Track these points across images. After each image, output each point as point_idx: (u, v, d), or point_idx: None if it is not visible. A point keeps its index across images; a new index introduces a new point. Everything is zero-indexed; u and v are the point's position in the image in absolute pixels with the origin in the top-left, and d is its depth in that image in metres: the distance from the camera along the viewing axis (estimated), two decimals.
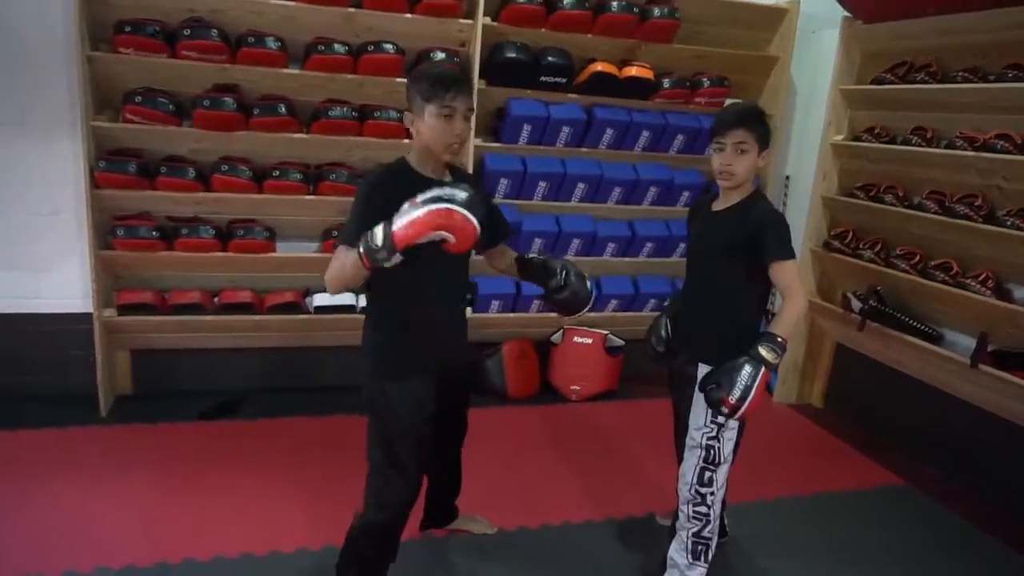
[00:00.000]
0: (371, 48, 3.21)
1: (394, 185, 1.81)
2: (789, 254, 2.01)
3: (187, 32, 3.00)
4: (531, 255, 2.22)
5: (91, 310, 3.20)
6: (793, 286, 2.00)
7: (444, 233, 1.65)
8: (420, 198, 1.65)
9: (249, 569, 2.32)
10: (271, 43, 3.10)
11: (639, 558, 2.52)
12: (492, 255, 2.25)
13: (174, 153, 3.24)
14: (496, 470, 3.01)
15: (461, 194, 1.65)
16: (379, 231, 1.66)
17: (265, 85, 3.26)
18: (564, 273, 2.09)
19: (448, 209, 1.63)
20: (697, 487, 2.16)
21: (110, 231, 3.15)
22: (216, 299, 3.37)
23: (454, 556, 2.46)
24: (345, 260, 1.74)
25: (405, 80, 1.90)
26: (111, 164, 3.05)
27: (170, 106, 3.08)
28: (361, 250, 1.68)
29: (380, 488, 2.02)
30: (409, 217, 1.63)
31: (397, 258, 1.67)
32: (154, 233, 3.16)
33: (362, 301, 3.48)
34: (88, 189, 3.04)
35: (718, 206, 2.17)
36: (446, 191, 1.65)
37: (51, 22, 3.05)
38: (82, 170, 3.04)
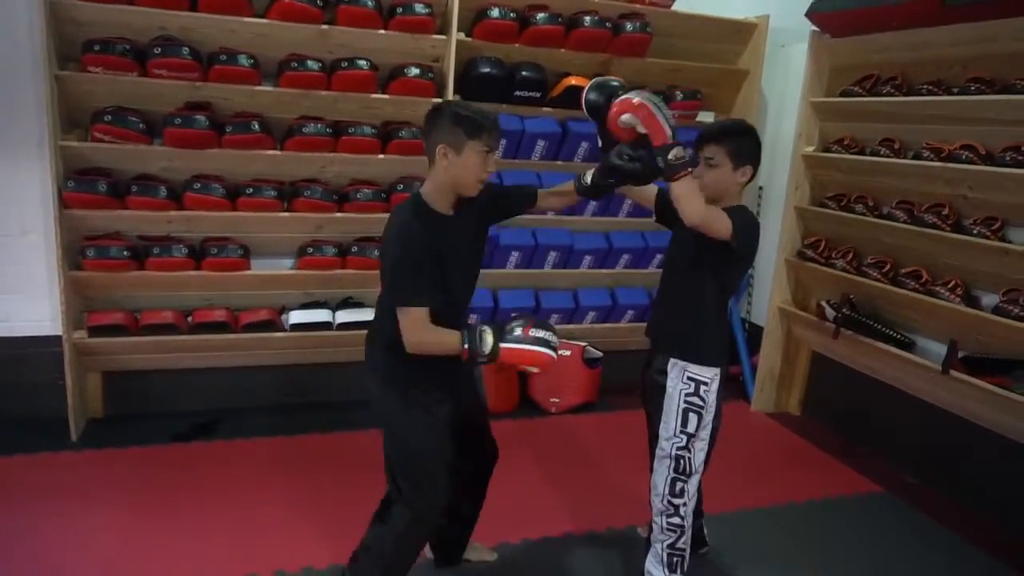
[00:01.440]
0: (345, 64, 3.21)
1: (428, 234, 1.90)
2: (732, 221, 1.98)
3: (157, 50, 2.97)
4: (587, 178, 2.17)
5: (61, 332, 3.13)
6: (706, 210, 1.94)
7: (532, 369, 1.90)
8: (533, 331, 1.86)
9: None
10: (243, 60, 3.08)
11: (620, 571, 2.51)
12: (543, 206, 2.29)
13: (145, 172, 3.20)
14: None
15: (556, 339, 1.89)
16: (489, 341, 1.85)
17: (238, 102, 3.23)
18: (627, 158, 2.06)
19: (551, 356, 1.87)
20: (669, 498, 2.16)
21: (80, 251, 3.09)
22: (190, 318, 3.32)
23: (432, 570, 2.44)
24: (440, 342, 1.88)
25: (435, 109, 1.94)
26: (80, 184, 3.00)
27: (140, 124, 3.05)
28: (467, 346, 1.85)
29: (414, 503, 2.02)
30: (519, 346, 1.85)
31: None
32: (125, 253, 3.11)
33: (339, 318, 3.46)
34: (57, 209, 2.99)
35: None
36: (552, 336, 1.88)
37: (18, 41, 3.01)
38: (50, 190, 2.99)
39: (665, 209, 2.35)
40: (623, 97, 1.92)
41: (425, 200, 1.96)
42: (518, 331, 1.86)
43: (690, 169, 1.91)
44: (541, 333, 1.87)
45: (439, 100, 3.33)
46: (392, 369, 2.01)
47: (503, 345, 1.85)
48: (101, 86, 3.02)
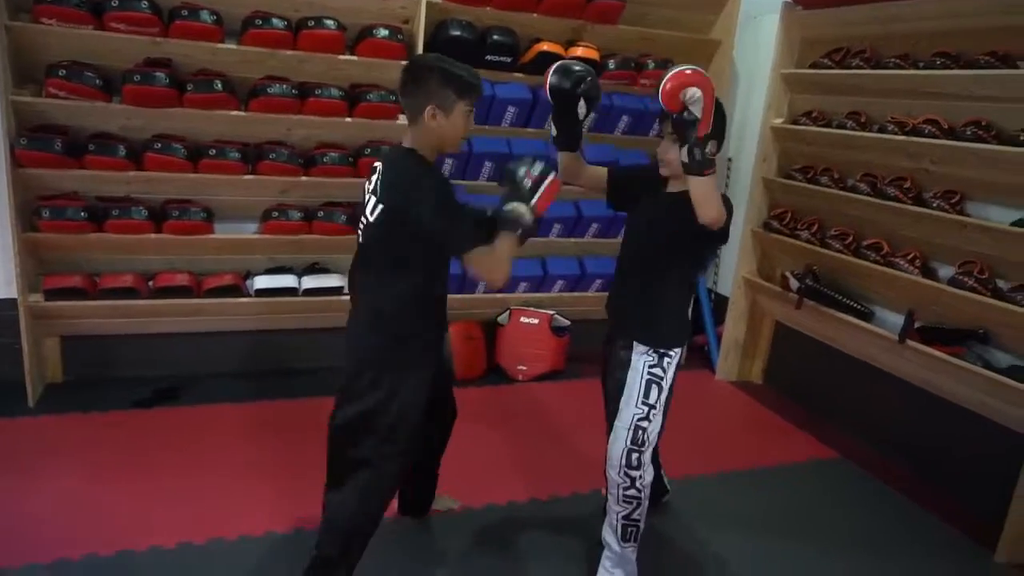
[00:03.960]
0: (311, 23, 3.12)
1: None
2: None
3: (115, 2, 2.85)
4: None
5: (15, 295, 3.04)
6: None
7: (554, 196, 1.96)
8: (533, 171, 1.93)
9: (188, 557, 2.27)
10: (206, 16, 2.98)
11: (584, 535, 2.55)
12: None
13: (103, 130, 3.10)
14: None
15: (540, 161, 1.97)
16: (524, 210, 1.91)
17: (200, 60, 3.13)
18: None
19: (554, 174, 1.95)
20: (627, 470, 2.18)
21: (35, 212, 2.99)
22: (151, 283, 3.25)
23: (396, 535, 2.46)
24: (507, 249, 1.90)
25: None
26: (34, 141, 2.89)
27: (97, 80, 2.94)
28: (518, 233, 1.90)
29: (372, 482, 1.99)
30: (542, 190, 1.93)
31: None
32: (82, 214, 3.02)
33: (305, 284, 3.42)
34: (9, 167, 2.89)
35: (672, 188, 2.14)
36: (539, 161, 1.96)
37: None
38: (2, 147, 2.88)
39: (619, 191, 2.32)
40: (691, 68, 1.75)
41: (421, 154, 1.92)
42: (527, 182, 1.94)
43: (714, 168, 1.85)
44: (536, 169, 1.95)
45: (416, 57, 3.25)
46: (403, 332, 1.97)
47: (535, 203, 1.93)
48: (55, 39, 2.90)
